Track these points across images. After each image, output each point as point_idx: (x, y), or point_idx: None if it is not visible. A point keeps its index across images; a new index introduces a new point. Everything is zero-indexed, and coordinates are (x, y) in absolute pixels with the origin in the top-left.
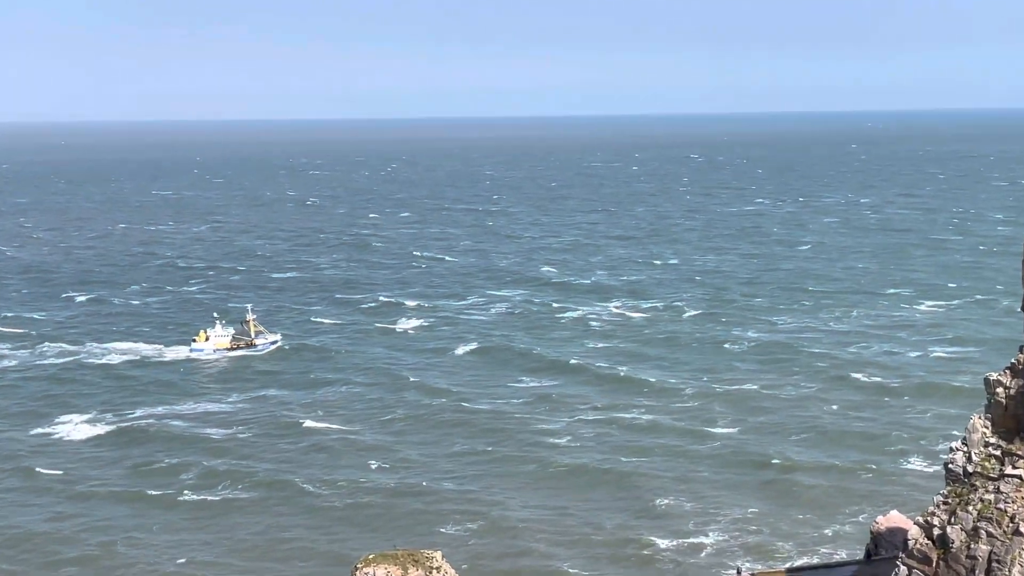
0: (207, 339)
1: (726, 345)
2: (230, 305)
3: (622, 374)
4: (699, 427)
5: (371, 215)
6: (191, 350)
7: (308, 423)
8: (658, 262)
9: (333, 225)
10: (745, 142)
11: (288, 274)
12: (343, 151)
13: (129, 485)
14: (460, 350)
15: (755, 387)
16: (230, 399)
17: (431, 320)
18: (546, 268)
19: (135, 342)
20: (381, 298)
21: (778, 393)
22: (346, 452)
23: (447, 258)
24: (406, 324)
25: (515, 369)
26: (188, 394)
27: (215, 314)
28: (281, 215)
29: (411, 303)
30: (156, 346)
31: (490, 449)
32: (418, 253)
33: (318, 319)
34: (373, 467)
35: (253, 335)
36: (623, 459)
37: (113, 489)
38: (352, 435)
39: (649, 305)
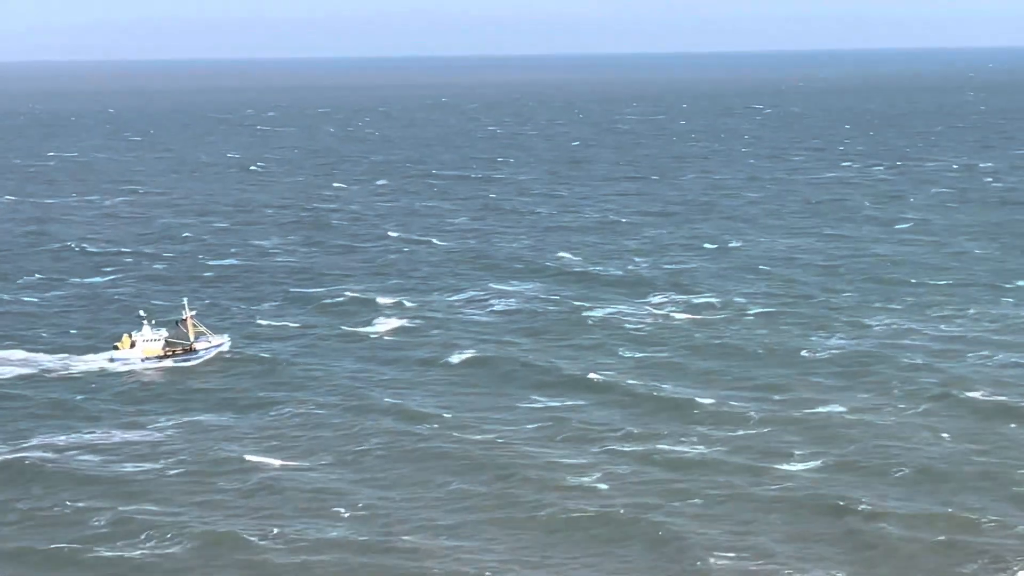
0: (132, 345)
1: (802, 354)
2: (154, 302)
3: (664, 393)
4: (765, 463)
5: (336, 184)
6: (111, 359)
7: (253, 457)
8: (712, 246)
9: (286, 197)
10: (827, 88)
11: (227, 262)
12: (302, 99)
13: (19, 538)
14: (452, 361)
15: (839, 410)
16: (154, 425)
17: (414, 322)
18: (564, 254)
19: (30, 351)
20: (348, 293)
21: (869, 418)
22: (302, 495)
23: (435, 241)
24: (381, 327)
25: (523, 386)
26: (99, 418)
27: (141, 312)
28: (218, 185)
29: (387, 300)
30: (59, 356)
31: (490, 492)
32: (396, 234)
33: (265, 321)
34: (337, 515)
35: (193, 338)
36: (665, 504)
37: None
38: (310, 473)
39: (700, 302)
